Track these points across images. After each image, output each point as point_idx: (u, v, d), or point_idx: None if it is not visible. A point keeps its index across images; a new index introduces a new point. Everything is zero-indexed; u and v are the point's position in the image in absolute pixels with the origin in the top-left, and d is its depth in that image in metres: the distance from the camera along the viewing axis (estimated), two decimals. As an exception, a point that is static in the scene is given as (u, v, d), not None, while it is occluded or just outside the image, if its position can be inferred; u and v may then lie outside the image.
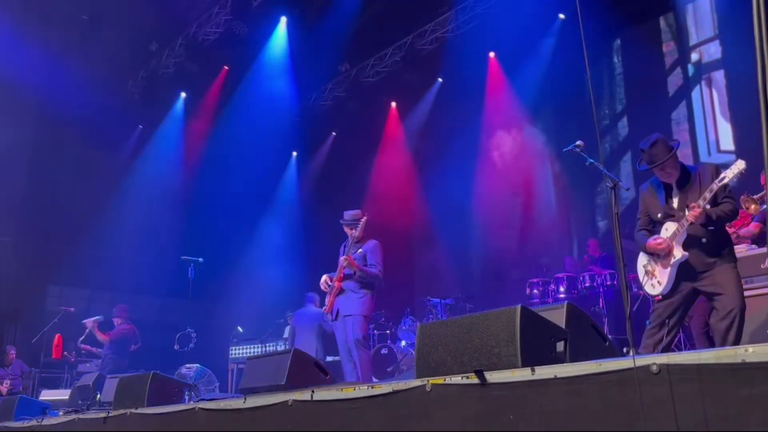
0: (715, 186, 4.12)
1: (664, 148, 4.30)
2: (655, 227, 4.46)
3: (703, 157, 9.11)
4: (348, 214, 6.15)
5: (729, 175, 4.12)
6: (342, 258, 6.00)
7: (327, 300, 6.13)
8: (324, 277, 6.14)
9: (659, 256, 4.31)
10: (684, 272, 4.24)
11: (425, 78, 12.11)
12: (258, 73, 12.08)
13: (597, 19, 8.87)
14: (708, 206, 4.15)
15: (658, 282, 4.33)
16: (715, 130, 9.12)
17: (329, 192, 13.57)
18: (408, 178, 12.89)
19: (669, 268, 4.27)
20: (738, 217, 4.34)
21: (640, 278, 4.55)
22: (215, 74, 12.50)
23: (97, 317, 9.16)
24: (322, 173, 13.94)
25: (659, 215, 4.40)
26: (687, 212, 4.19)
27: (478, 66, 11.34)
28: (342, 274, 5.97)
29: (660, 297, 4.33)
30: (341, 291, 6.00)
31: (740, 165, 4.15)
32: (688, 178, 4.35)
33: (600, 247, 9.09)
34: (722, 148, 9.01)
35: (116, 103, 13.04)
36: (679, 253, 4.22)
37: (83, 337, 9.25)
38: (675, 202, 4.36)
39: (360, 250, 5.96)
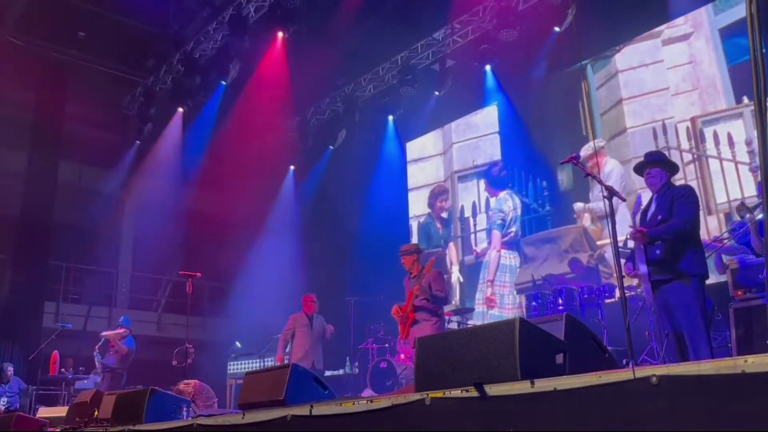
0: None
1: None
2: None
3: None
4: (406, 247, 7.16)
5: None
6: (415, 288, 6.69)
7: (400, 329, 6.87)
8: (394, 307, 6.89)
9: None
10: (653, 285, 4.36)
11: (422, 92, 12.15)
12: (255, 88, 12.10)
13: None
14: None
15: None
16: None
17: (327, 206, 13.56)
18: (406, 192, 12.90)
19: (644, 283, 4.43)
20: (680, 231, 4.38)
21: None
22: (212, 90, 12.52)
23: (118, 331, 9.12)
24: (320, 187, 13.93)
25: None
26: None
27: (476, 79, 11.37)
28: (413, 305, 6.69)
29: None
30: (415, 321, 6.70)
31: None
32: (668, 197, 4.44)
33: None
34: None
35: (113, 119, 13.07)
36: (643, 267, 4.35)
37: (100, 344, 9.20)
38: (647, 216, 4.51)
39: (423, 280, 6.70)
